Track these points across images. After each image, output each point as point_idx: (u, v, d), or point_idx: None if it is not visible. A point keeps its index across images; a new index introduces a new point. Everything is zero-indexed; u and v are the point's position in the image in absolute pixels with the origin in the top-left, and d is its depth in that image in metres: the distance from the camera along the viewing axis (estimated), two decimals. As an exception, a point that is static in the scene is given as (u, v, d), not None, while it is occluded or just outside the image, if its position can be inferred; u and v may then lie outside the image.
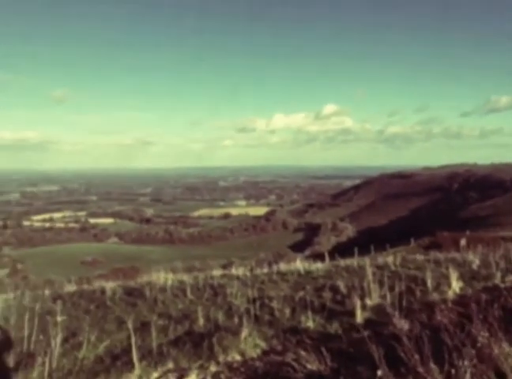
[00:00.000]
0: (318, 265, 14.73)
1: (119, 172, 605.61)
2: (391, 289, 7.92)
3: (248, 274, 14.09)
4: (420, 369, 3.57)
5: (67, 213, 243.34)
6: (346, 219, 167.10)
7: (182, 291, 11.22)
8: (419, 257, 15.13)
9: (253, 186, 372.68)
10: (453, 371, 3.45)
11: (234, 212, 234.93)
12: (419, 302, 7.40)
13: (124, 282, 15.22)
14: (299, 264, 14.96)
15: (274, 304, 8.16)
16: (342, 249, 42.51)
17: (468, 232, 35.56)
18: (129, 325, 6.08)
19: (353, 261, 14.60)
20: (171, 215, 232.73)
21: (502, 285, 8.24)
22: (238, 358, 5.54)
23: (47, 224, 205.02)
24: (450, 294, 7.82)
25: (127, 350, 5.97)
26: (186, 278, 13.96)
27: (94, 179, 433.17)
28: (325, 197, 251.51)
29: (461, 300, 7.06)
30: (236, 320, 7.21)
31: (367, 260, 13.18)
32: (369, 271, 9.25)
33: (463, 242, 17.38)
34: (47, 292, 13.66)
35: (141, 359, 5.57)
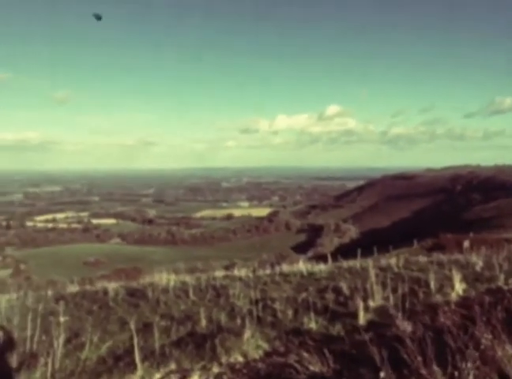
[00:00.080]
0: (321, 267, 14.71)
1: (122, 173, 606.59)
2: (394, 291, 7.90)
3: (251, 275, 14.08)
4: (423, 372, 3.56)
5: (70, 214, 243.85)
6: (349, 221, 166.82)
7: (185, 292, 11.22)
8: (422, 259, 15.09)
9: (256, 187, 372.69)
10: (456, 373, 3.44)
11: (236, 213, 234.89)
12: (422, 304, 7.38)
13: (126, 283, 15.22)
14: (302, 265, 14.95)
15: (277, 305, 8.15)
16: (345, 251, 42.42)
17: (471, 234, 35.48)
18: (132, 326, 6.08)
19: (356, 263, 14.57)
20: (174, 216, 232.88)
21: (505, 287, 8.21)
22: (240, 359, 5.53)
23: (50, 225, 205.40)
24: (453, 296, 7.79)
25: (130, 351, 5.98)
26: (188, 279, 13.96)
27: (96, 180, 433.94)
28: (328, 198, 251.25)
29: (465, 302, 7.03)
30: (239, 321, 7.21)
31: (369, 262, 13.15)
32: (372, 272, 9.22)
33: (466, 243, 17.34)
34: (49, 293, 13.69)
35: (143, 360, 5.57)
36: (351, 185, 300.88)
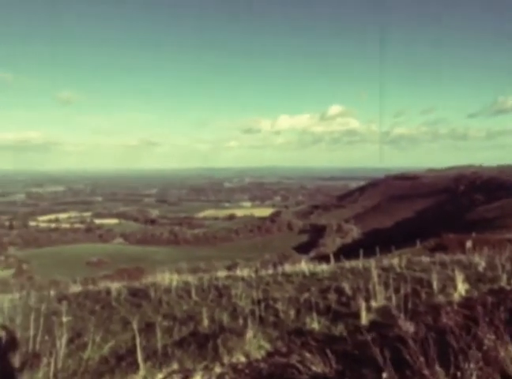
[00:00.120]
0: (323, 267, 14.69)
1: (124, 173, 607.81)
2: (396, 291, 7.89)
3: (253, 275, 14.08)
4: (426, 372, 3.55)
5: (73, 214, 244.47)
6: (351, 221, 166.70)
7: (187, 292, 11.23)
8: (425, 259, 15.07)
9: (258, 187, 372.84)
10: (458, 374, 3.43)
11: (239, 213, 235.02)
12: (425, 305, 7.37)
13: (129, 282, 15.24)
14: (304, 265, 14.94)
15: (279, 305, 8.14)
16: (347, 251, 42.42)
17: (474, 234, 35.39)
18: (134, 326, 6.08)
19: (358, 263, 14.55)
20: (176, 216, 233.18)
21: (508, 287, 8.20)
22: (242, 359, 5.53)
23: (53, 225, 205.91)
24: (456, 297, 7.78)
25: (132, 351, 5.99)
26: (190, 279, 13.97)
27: (99, 180, 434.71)
28: (331, 198, 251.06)
29: (467, 302, 7.02)
30: (241, 321, 7.21)
31: (372, 262, 13.14)
32: (374, 273, 9.21)
33: (469, 244, 17.30)
34: (52, 292, 13.71)
35: (145, 360, 5.57)
36: (353, 185, 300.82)
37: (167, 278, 14.05)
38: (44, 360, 5.57)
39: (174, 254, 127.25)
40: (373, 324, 6.53)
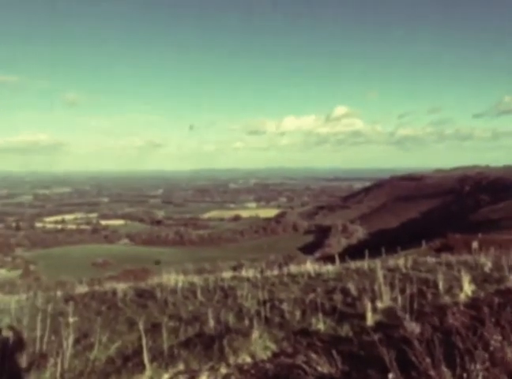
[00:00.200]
0: (329, 267, 14.67)
1: (130, 174, 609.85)
2: (402, 292, 7.87)
3: (258, 276, 14.08)
4: (432, 373, 3.54)
5: (79, 215, 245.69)
6: (356, 222, 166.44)
7: (193, 293, 11.24)
8: (431, 260, 15.01)
9: (263, 188, 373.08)
10: (465, 375, 3.42)
11: (244, 214, 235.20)
12: (431, 305, 7.35)
13: (135, 283, 15.29)
14: (310, 266, 14.92)
15: (284, 306, 8.14)
16: (353, 252, 42.31)
17: (480, 235, 35.23)
18: (140, 327, 6.10)
19: (364, 264, 14.51)
20: (182, 217, 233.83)
21: (515, 288, 8.16)
22: (248, 360, 5.53)
23: (59, 226, 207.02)
24: (462, 297, 7.75)
25: (138, 352, 6.00)
26: (196, 280, 13.98)
27: (105, 181, 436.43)
28: (336, 199, 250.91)
29: (473, 303, 7.00)
30: (247, 322, 7.21)
31: (377, 263, 13.09)
32: (380, 273, 9.18)
33: (475, 244, 17.19)
34: (59, 293, 13.77)
35: (151, 360, 5.58)
36: (358, 186, 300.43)
37: (172, 279, 14.07)
38: (51, 360, 5.59)
39: (179, 255, 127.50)
40: (379, 325, 6.52)
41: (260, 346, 5.85)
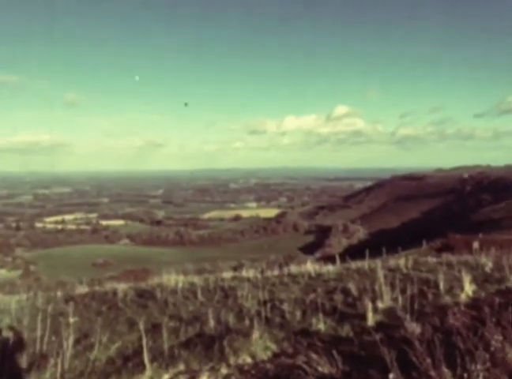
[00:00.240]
0: (329, 268, 14.66)
1: (130, 174, 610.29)
2: (403, 292, 7.86)
3: (259, 276, 14.08)
4: (432, 373, 3.54)
5: (79, 215, 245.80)
6: (357, 221, 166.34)
7: (193, 293, 11.24)
8: (432, 260, 15.00)
9: (264, 188, 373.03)
10: (465, 375, 3.42)
11: (244, 214, 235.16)
12: (432, 305, 7.34)
13: (135, 283, 15.29)
14: (310, 266, 14.91)
15: (285, 306, 8.13)
16: (353, 252, 42.32)
17: (480, 234, 35.21)
18: (141, 327, 6.10)
19: (364, 264, 14.50)
20: (182, 217, 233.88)
21: (515, 288, 8.15)
22: (248, 360, 5.53)
23: (59, 226, 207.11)
24: (463, 298, 7.74)
25: (138, 352, 6.00)
26: (196, 280, 13.98)
27: (105, 181, 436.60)
28: (337, 198, 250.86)
29: (474, 303, 6.99)
30: (247, 322, 7.20)
31: (378, 263, 13.08)
32: (380, 273, 9.18)
33: (476, 244, 17.18)
34: (59, 293, 13.77)
35: (152, 361, 5.58)
36: (359, 185, 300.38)
37: (173, 279, 14.07)
38: (51, 361, 5.59)
39: (179, 255, 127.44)
40: (379, 325, 6.51)
41: (260, 346, 5.85)
